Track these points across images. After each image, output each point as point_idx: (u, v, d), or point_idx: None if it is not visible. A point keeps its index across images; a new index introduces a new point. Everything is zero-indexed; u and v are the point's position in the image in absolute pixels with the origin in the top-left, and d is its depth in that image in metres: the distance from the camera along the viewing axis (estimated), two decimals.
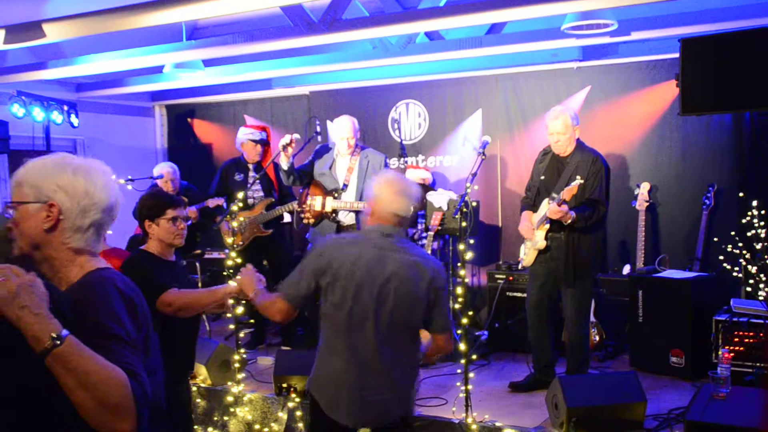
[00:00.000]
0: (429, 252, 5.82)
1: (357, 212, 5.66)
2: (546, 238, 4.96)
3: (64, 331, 1.59)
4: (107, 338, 1.70)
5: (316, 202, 5.75)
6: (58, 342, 1.57)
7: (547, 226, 4.92)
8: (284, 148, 5.58)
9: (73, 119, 7.31)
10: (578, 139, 5.03)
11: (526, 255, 5.13)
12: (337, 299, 3.07)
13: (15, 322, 1.57)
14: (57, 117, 7.11)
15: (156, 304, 3.29)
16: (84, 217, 1.85)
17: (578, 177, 4.81)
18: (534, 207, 5.12)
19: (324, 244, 3.21)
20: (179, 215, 3.56)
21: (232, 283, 3.50)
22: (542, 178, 5.10)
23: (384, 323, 3.06)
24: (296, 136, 5.70)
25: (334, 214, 5.73)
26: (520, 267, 5.54)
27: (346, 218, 5.74)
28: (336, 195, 5.73)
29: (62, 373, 1.57)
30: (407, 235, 3.35)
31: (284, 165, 5.64)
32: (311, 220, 5.79)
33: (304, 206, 5.81)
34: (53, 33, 5.26)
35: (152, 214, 3.52)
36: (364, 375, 3.06)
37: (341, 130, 5.74)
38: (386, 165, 5.84)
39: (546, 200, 4.94)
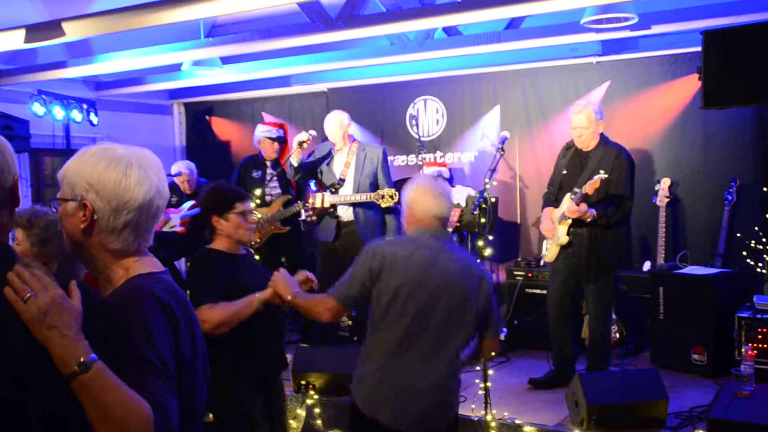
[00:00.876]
0: None
1: (354, 206, 5.65)
2: (568, 234, 4.92)
3: (92, 356, 1.49)
4: (136, 361, 1.58)
5: (316, 199, 5.77)
6: (84, 369, 1.46)
7: (569, 221, 4.89)
8: (300, 144, 5.61)
9: (93, 117, 7.35)
10: (602, 134, 4.98)
11: (548, 251, 5.09)
12: (390, 301, 2.98)
13: (42, 342, 1.46)
14: (77, 115, 7.15)
15: None
16: (116, 217, 1.70)
17: (601, 171, 4.77)
18: (556, 202, 5.08)
19: (377, 245, 3.11)
20: (247, 209, 3.38)
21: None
22: (564, 172, 5.06)
23: (436, 326, 3.00)
24: (312, 132, 5.71)
25: (332, 209, 5.72)
26: (542, 263, 5.50)
27: (345, 213, 5.72)
28: (333, 190, 5.73)
29: (85, 400, 1.48)
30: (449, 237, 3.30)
31: (294, 161, 5.67)
32: (314, 218, 5.80)
33: (307, 204, 5.84)
34: (73, 31, 5.29)
35: (220, 209, 3.32)
36: (416, 377, 2.98)
37: (329, 127, 5.76)
38: (385, 156, 5.82)
39: (568, 195, 4.91)
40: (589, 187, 4.68)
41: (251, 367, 3.29)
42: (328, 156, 5.85)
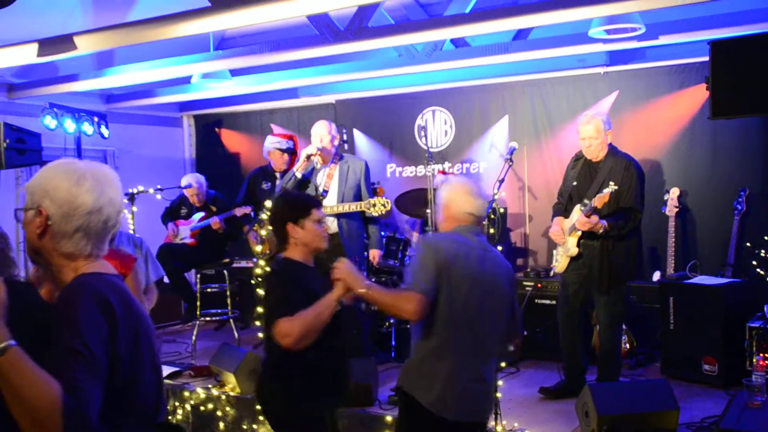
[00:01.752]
0: None
1: (338, 218, 5.59)
2: (578, 245, 4.92)
3: (11, 342, 1.61)
4: (60, 347, 1.68)
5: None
6: (0, 353, 1.60)
7: (579, 233, 4.88)
8: (307, 157, 5.62)
9: (104, 130, 7.40)
10: (611, 144, 4.98)
11: (558, 262, 5.09)
12: (453, 299, 3.01)
13: None
14: (88, 128, 7.20)
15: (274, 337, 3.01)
16: (68, 222, 1.83)
17: (611, 183, 4.77)
18: (566, 213, 5.08)
19: (433, 240, 3.18)
20: (322, 216, 3.30)
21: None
22: (574, 183, 5.06)
23: (489, 323, 3.12)
24: (320, 146, 5.68)
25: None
26: (551, 274, 5.50)
27: (332, 225, 5.58)
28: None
29: (2, 384, 1.61)
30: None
31: (299, 174, 5.66)
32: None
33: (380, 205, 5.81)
34: (84, 45, 5.34)
35: (296, 216, 3.23)
36: (478, 374, 3.10)
37: (318, 131, 5.74)
38: (367, 169, 5.82)
39: (578, 206, 4.90)
40: (598, 201, 4.69)
41: (325, 385, 3.24)
42: (311, 171, 5.82)
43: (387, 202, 5.45)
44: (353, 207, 5.58)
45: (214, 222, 6.95)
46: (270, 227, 3.39)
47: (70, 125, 7.04)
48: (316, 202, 3.39)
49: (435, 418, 2.97)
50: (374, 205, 5.48)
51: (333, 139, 5.75)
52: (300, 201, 3.35)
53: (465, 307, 3.02)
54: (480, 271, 3.08)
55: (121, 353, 1.77)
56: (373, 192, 6.18)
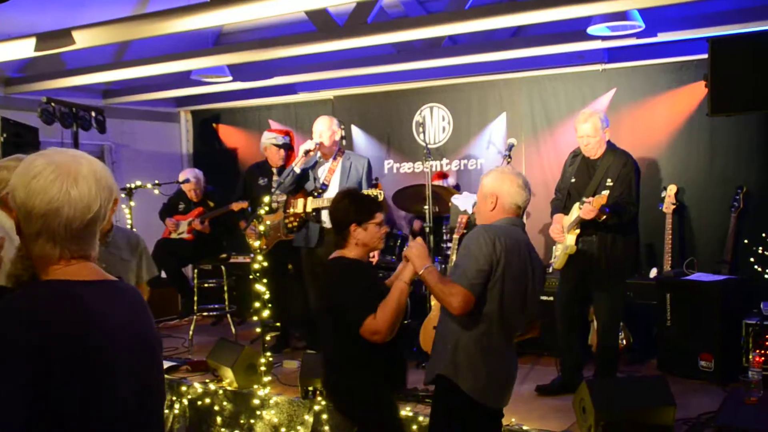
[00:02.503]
0: (454, 255, 5.82)
1: None
2: (577, 242, 4.93)
3: None
4: None
5: (297, 204, 5.73)
6: None
7: (578, 230, 4.89)
8: (306, 153, 5.62)
9: (101, 125, 7.40)
10: (609, 141, 4.99)
11: (557, 258, 5.10)
12: (500, 290, 3.06)
13: None
14: (85, 123, 7.19)
15: (361, 335, 3.11)
16: (28, 224, 1.65)
17: (609, 180, 4.78)
18: (565, 209, 5.08)
19: (492, 232, 3.09)
20: (383, 219, 3.41)
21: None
22: (573, 180, 5.06)
23: (522, 315, 3.21)
24: (318, 141, 5.67)
25: (314, 214, 5.70)
26: (550, 270, 5.51)
27: (328, 219, 5.49)
28: (316, 195, 5.69)
29: None
30: None
31: (298, 169, 5.66)
32: (295, 224, 5.77)
33: (287, 212, 5.79)
34: (82, 40, 5.33)
35: (361, 218, 3.33)
36: (513, 363, 3.32)
37: (319, 126, 5.72)
38: (369, 167, 5.80)
39: (576, 204, 4.91)
40: (596, 202, 4.65)
41: (391, 373, 3.38)
42: (314, 162, 5.82)
43: (380, 193, 5.43)
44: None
45: (196, 224, 6.96)
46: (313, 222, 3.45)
47: (67, 120, 7.02)
48: (379, 205, 3.44)
49: (476, 405, 3.06)
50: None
51: (334, 135, 5.74)
52: (365, 203, 3.42)
53: (511, 301, 3.10)
54: (527, 267, 3.16)
55: (56, 375, 1.52)
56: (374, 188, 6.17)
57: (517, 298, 3.13)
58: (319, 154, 5.77)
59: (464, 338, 3.10)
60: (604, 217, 4.71)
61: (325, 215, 5.64)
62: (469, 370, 3.08)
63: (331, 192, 5.65)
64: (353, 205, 3.38)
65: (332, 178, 5.71)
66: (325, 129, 5.71)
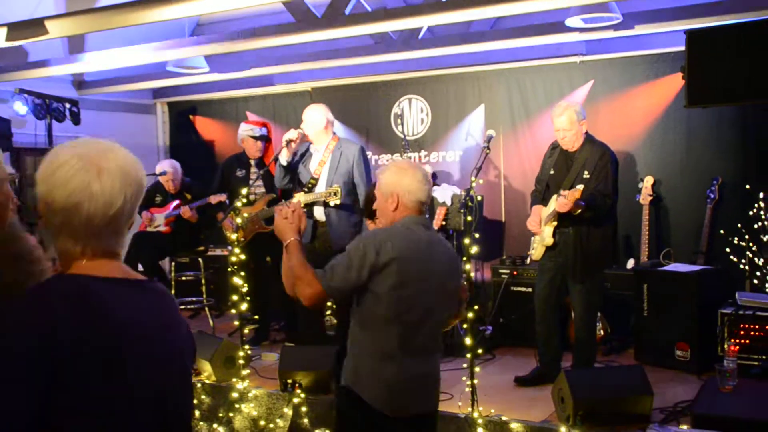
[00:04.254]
0: None
1: (325, 206, 5.42)
2: (554, 235, 4.95)
3: None
4: None
5: (292, 200, 5.62)
6: None
7: (555, 222, 4.92)
8: (288, 143, 5.53)
9: (75, 116, 7.30)
10: (587, 133, 5.01)
11: (535, 250, 5.12)
12: (397, 296, 2.86)
13: None
14: (59, 115, 7.10)
15: None
16: (51, 218, 1.59)
17: (586, 172, 4.81)
18: (544, 201, 5.10)
19: (381, 239, 2.88)
20: None
21: None
22: (552, 172, 5.08)
23: (432, 317, 2.99)
24: (301, 130, 5.58)
25: (305, 209, 5.61)
26: (528, 261, 5.53)
27: (319, 214, 5.50)
28: (306, 189, 5.54)
29: None
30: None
31: (283, 161, 5.56)
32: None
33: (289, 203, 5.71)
34: (55, 29, 5.25)
35: None
36: (422, 368, 2.98)
37: (311, 119, 5.58)
38: (361, 153, 5.57)
39: (554, 197, 4.93)
40: (570, 196, 4.66)
41: None
42: (306, 154, 5.69)
43: (338, 190, 5.27)
44: (311, 198, 5.40)
45: (185, 210, 6.87)
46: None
47: (41, 111, 6.92)
48: None
49: (377, 414, 2.88)
50: (329, 194, 5.28)
51: (326, 124, 5.57)
52: None
53: (410, 307, 2.89)
54: (427, 268, 2.94)
55: (67, 373, 1.45)
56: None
57: (422, 300, 2.92)
58: (310, 144, 5.69)
59: (364, 346, 2.95)
60: (579, 210, 4.73)
61: (317, 210, 5.50)
62: (369, 379, 2.91)
63: (321, 185, 5.50)
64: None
65: (322, 170, 5.54)
66: (314, 118, 5.56)
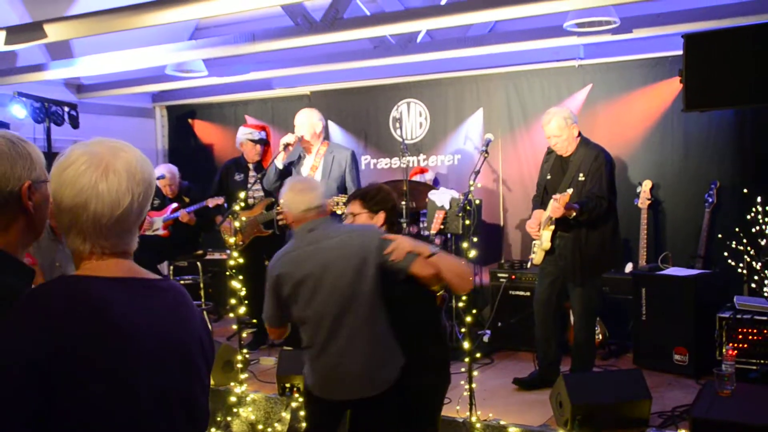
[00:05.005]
0: None
1: None
2: (553, 239, 4.95)
3: None
4: None
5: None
6: None
7: (552, 227, 4.92)
8: (285, 147, 5.54)
9: (74, 120, 7.30)
10: (582, 136, 5.01)
11: (535, 254, 5.12)
12: (296, 305, 3.30)
13: None
14: (58, 118, 7.09)
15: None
16: (60, 216, 1.59)
17: (581, 175, 4.82)
18: (543, 205, 5.11)
19: (270, 268, 3.38)
20: None
21: None
22: (548, 177, 5.10)
23: (332, 309, 3.22)
24: (298, 135, 5.59)
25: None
26: (529, 266, 5.53)
27: None
28: None
29: None
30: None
31: (280, 164, 5.57)
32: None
33: (278, 208, 5.71)
34: (54, 33, 5.25)
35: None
36: (329, 357, 3.27)
37: (300, 121, 5.60)
38: (353, 159, 5.61)
39: (551, 200, 4.93)
40: (561, 200, 4.68)
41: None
42: (298, 159, 5.70)
43: (342, 198, 5.24)
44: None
45: (183, 214, 6.87)
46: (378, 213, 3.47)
47: (39, 115, 6.91)
48: None
49: (313, 397, 3.36)
50: (337, 204, 5.24)
51: (316, 128, 5.59)
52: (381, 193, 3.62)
53: (307, 306, 3.25)
54: (308, 270, 3.24)
55: (67, 375, 1.42)
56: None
57: (316, 300, 3.23)
58: (301, 148, 5.69)
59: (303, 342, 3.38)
60: (574, 213, 4.75)
61: None
62: (306, 369, 3.37)
63: None
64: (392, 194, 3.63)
65: (315, 174, 5.54)
66: (305, 122, 5.59)
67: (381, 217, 3.45)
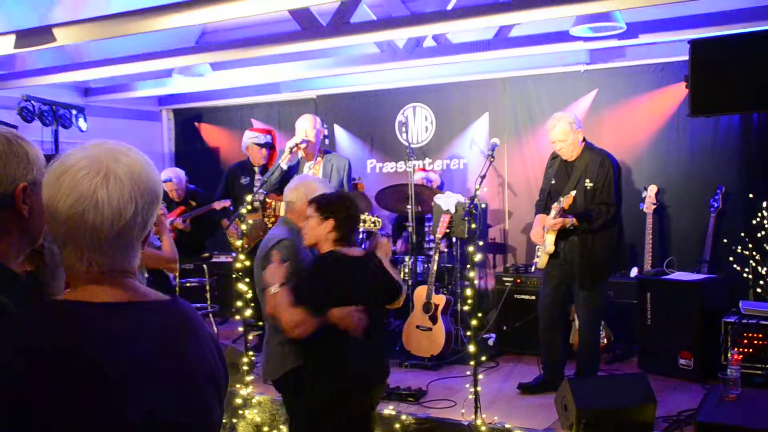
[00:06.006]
0: (437, 255, 5.83)
1: None
2: (557, 243, 4.97)
3: None
4: None
5: (279, 206, 5.66)
6: None
7: (556, 231, 4.93)
8: (291, 150, 5.57)
9: (81, 123, 7.33)
10: (586, 141, 5.03)
11: (539, 258, 5.13)
12: None
13: None
14: (65, 121, 7.13)
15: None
16: (55, 229, 1.42)
17: (587, 180, 4.84)
18: (546, 210, 5.13)
19: None
20: None
21: None
22: (553, 182, 5.11)
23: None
24: (305, 138, 5.62)
25: None
26: (533, 269, 5.54)
27: None
28: None
29: None
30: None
31: (284, 165, 5.62)
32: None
33: (268, 211, 5.74)
34: (63, 37, 5.28)
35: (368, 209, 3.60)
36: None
37: (302, 125, 5.67)
38: (350, 168, 5.75)
39: (554, 204, 4.95)
40: (564, 202, 4.75)
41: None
42: (297, 164, 5.76)
43: (378, 221, 5.57)
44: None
45: (177, 223, 6.90)
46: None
47: (47, 118, 6.96)
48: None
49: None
50: (374, 223, 5.52)
51: (318, 134, 5.67)
52: (364, 196, 3.64)
53: None
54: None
55: (30, 411, 1.28)
56: (354, 188, 6.15)
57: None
58: (301, 153, 5.73)
59: None
60: (569, 225, 4.79)
61: None
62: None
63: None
64: (364, 201, 3.55)
65: None
66: (309, 127, 5.65)
67: (329, 224, 3.33)
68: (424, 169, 7.11)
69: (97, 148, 1.42)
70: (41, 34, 5.32)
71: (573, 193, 4.76)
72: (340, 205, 3.36)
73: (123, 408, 1.34)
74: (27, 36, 5.39)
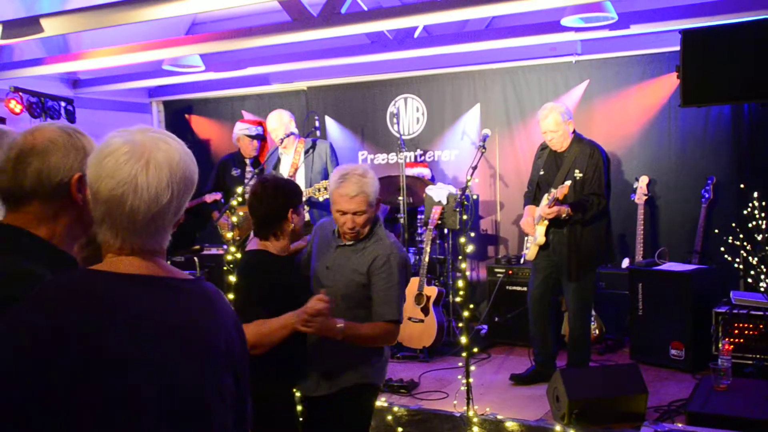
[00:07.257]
0: (428, 247, 5.82)
1: (309, 206, 5.46)
2: (547, 234, 4.97)
3: None
4: None
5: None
6: None
7: (547, 222, 4.94)
8: (282, 141, 5.57)
9: (71, 115, 7.29)
10: (575, 132, 5.04)
11: (529, 250, 5.14)
12: None
13: None
14: (54, 113, 7.08)
15: None
16: (94, 207, 1.50)
17: (577, 171, 4.84)
18: (535, 201, 5.13)
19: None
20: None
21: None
22: (542, 173, 5.12)
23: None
24: (280, 140, 5.65)
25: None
26: (522, 261, 5.54)
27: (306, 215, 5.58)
28: None
29: None
30: None
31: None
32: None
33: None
34: (51, 28, 5.24)
35: (296, 202, 3.07)
36: None
37: (271, 125, 5.72)
38: (332, 150, 5.72)
39: (545, 196, 4.95)
40: (559, 192, 4.76)
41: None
42: (275, 159, 5.77)
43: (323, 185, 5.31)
44: (309, 192, 5.44)
45: None
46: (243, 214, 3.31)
47: (36, 110, 6.91)
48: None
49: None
50: (318, 190, 5.31)
51: (291, 127, 5.70)
52: (292, 186, 3.18)
53: None
54: None
55: (61, 367, 1.36)
56: None
57: None
58: (278, 149, 5.72)
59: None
60: (566, 215, 4.79)
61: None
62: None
63: (299, 184, 5.53)
64: (291, 189, 3.14)
65: (297, 172, 5.60)
66: (277, 125, 5.70)
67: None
68: (413, 165, 7.09)
69: (141, 135, 1.51)
70: (29, 24, 5.28)
71: (568, 183, 4.77)
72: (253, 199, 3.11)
73: (134, 370, 1.41)
74: (14, 27, 5.35)
